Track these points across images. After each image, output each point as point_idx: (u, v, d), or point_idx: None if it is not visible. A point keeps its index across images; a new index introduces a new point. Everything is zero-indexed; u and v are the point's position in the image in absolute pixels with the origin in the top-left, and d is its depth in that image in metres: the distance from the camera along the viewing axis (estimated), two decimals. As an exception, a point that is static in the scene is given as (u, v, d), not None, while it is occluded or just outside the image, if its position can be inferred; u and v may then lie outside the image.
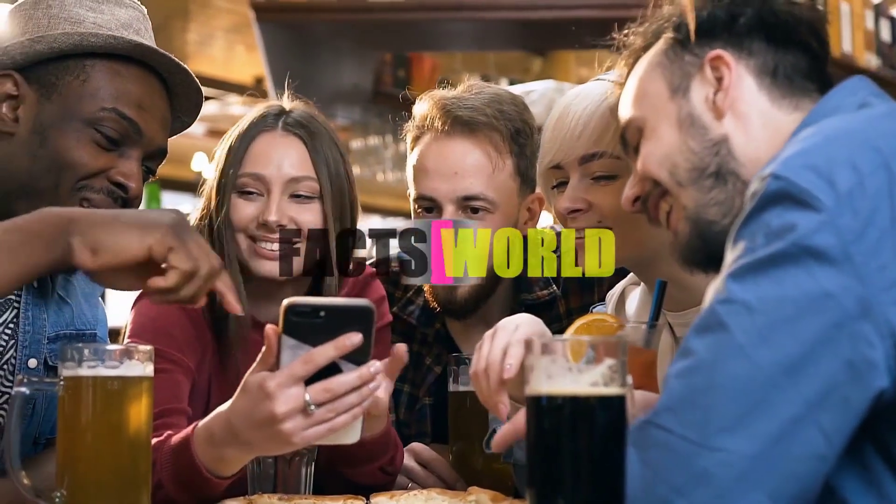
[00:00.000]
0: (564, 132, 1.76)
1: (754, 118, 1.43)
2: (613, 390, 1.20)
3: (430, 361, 2.30)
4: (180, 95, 1.88)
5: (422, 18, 4.52)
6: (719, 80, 1.45)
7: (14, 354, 1.78)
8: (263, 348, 1.44)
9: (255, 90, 5.82)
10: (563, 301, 2.26)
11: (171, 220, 1.43)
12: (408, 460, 2.00)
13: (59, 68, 1.74)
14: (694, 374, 1.20)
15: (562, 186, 1.80)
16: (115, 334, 2.08)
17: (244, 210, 2.01)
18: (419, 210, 2.20)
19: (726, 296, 1.21)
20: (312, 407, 1.39)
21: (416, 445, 2.07)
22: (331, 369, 1.40)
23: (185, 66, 1.83)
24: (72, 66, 1.74)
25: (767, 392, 1.16)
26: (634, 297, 1.91)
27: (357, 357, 1.42)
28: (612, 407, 1.20)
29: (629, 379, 1.23)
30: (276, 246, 2.00)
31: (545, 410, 1.21)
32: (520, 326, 1.51)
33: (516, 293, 2.27)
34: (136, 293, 1.99)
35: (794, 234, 1.18)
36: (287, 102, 2.11)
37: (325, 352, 1.39)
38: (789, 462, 1.16)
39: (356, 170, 6.29)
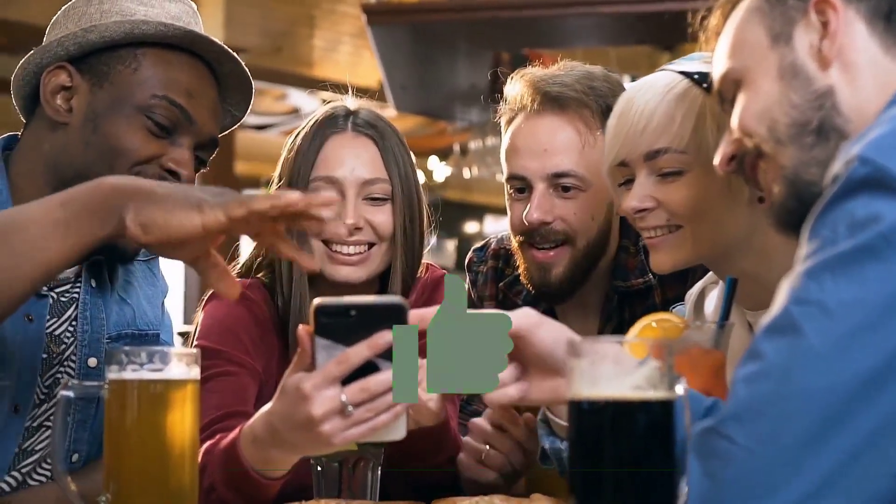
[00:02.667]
0: (627, 127, 1.68)
1: (864, 68, 1.30)
2: (658, 394, 1.14)
3: None
4: (231, 87, 1.89)
5: (538, 15, 4.47)
6: (825, 25, 1.31)
7: (74, 352, 1.80)
8: (299, 349, 1.41)
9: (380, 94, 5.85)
10: (658, 291, 2.16)
11: (221, 196, 1.42)
12: (483, 423, 1.88)
13: (110, 57, 1.76)
14: (763, 380, 1.11)
15: (628, 184, 1.72)
16: (184, 336, 2.09)
17: None
18: (511, 191, 2.17)
19: (801, 295, 1.11)
20: (350, 408, 1.35)
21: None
22: (369, 368, 1.36)
23: (234, 53, 1.83)
24: (123, 54, 1.76)
25: (844, 405, 1.06)
26: (713, 296, 1.81)
27: None
28: (655, 411, 1.14)
29: (682, 381, 1.16)
30: (352, 249, 1.98)
31: (586, 415, 1.15)
32: None
33: (611, 279, 2.20)
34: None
35: (881, 225, 1.07)
36: (352, 102, 2.09)
37: (359, 352, 1.34)
38: (864, 480, 1.07)
39: (474, 170, 6.28)
